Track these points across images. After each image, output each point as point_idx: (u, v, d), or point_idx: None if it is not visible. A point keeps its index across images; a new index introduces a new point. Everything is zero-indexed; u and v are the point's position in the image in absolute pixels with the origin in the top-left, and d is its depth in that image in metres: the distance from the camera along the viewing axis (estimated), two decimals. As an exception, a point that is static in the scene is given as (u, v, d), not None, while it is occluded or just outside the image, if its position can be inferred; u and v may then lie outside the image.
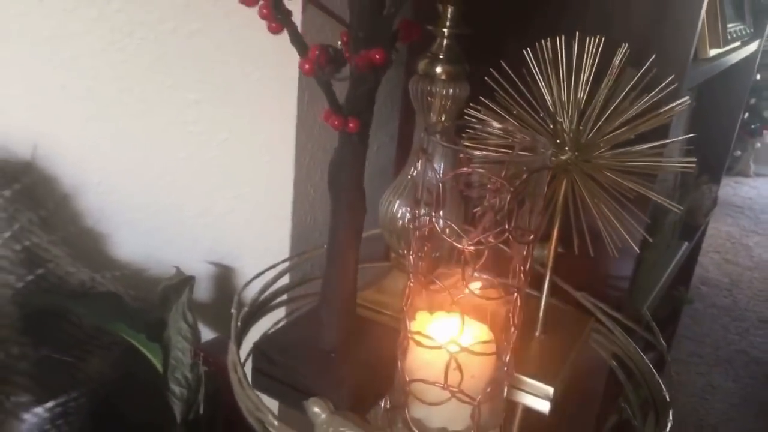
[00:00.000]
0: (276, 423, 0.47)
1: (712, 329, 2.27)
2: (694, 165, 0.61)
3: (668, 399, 0.55)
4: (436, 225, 0.45)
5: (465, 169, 0.43)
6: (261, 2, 0.40)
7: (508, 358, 0.49)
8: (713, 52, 0.88)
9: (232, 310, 0.57)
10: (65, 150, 0.71)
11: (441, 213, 0.44)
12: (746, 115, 3.28)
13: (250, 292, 0.64)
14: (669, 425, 0.52)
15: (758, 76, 3.00)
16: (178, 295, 0.68)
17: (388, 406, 0.56)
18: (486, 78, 0.57)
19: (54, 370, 0.63)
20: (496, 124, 0.48)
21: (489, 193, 0.46)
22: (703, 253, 2.19)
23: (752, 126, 3.48)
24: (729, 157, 1.60)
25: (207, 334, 0.78)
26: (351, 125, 0.48)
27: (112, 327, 0.64)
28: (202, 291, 0.78)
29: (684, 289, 1.63)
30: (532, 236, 0.45)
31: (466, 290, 0.45)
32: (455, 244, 0.44)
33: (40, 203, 0.69)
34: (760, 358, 2.16)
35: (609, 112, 0.56)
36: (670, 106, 0.54)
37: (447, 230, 0.46)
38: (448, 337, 0.48)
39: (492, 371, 0.49)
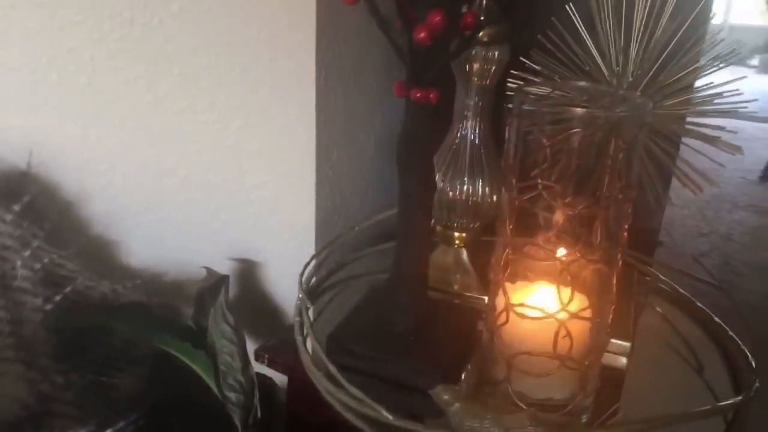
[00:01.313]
0: (391, 417, 0.44)
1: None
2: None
3: (752, 361, 0.55)
4: (543, 192, 0.43)
5: (577, 129, 0.41)
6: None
7: (610, 320, 0.49)
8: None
9: (307, 306, 0.54)
10: (65, 153, 0.64)
11: (550, 179, 0.43)
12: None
13: (288, 288, 0.61)
14: (756, 385, 0.51)
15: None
16: (214, 298, 0.64)
17: (472, 383, 0.55)
18: (539, 36, 0.56)
19: (96, 395, 0.58)
20: (582, 83, 0.47)
21: (564, 156, 0.45)
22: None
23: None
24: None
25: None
26: (432, 96, 0.45)
27: (157, 341, 0.59)
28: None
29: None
30: (635, 192, 0.45)
31: (577, 256, 0.44)
32: (566, 209, 0.43)
33: (42, 215, 0.62)
34: (703, 289, 2.29)
35: (659, 63, 0.56)
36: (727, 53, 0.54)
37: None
38: (544, 306, 0.47)
39: (591, 336, 0.49)
